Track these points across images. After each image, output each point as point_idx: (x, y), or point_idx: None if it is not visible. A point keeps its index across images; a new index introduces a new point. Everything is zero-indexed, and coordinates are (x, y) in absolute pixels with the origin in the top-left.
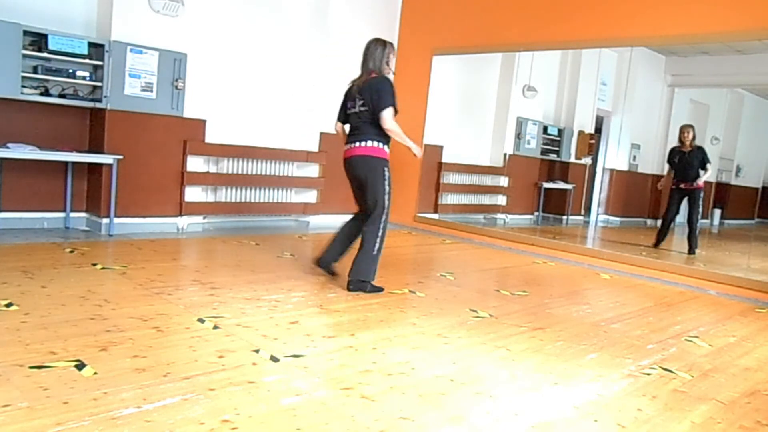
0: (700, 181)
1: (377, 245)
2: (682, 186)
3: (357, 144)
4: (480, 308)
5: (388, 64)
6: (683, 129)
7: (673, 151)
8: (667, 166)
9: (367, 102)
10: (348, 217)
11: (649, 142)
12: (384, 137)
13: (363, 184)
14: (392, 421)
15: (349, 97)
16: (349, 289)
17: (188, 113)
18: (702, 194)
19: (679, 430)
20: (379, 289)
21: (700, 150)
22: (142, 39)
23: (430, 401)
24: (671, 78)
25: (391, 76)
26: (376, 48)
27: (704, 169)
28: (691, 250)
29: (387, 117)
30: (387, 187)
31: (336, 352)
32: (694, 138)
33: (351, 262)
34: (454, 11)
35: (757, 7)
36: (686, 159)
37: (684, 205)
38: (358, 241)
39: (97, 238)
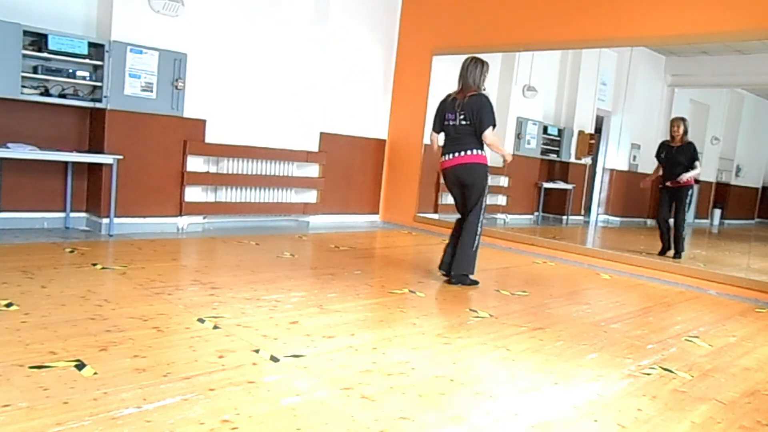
0: (685, 178)
1: (476, 242)
2: (668, 184)
3: (461, 153)
4: (480, 308)
5: (484, 82)
6: (673, 122)
7: (661, 145)
8: (655, 162)
9: (468, 116)
10: (453, 222)
11: (649, 142)
12: (482, 145)
13: (468, 188)
14: (392, 421)
15: (447, 109)
16: (451, 283)
17: (188, 113)
18: (690, 192)
19: (679, 430)
20: (476, 282)
21: (690, 146)
22: (142, 39)
23: (430, 401)
24: (671, 78)
25: (486, 92)
26: (476, 66)
27: (692, 167)
28: (677, 254)
29: (489, 134)
30: (487, 189)
31: (336, 352)
32: (685, 132)
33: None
34: (454, 11)
35: (757, 7)
36: (673, 155)
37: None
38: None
39: (97, 238)
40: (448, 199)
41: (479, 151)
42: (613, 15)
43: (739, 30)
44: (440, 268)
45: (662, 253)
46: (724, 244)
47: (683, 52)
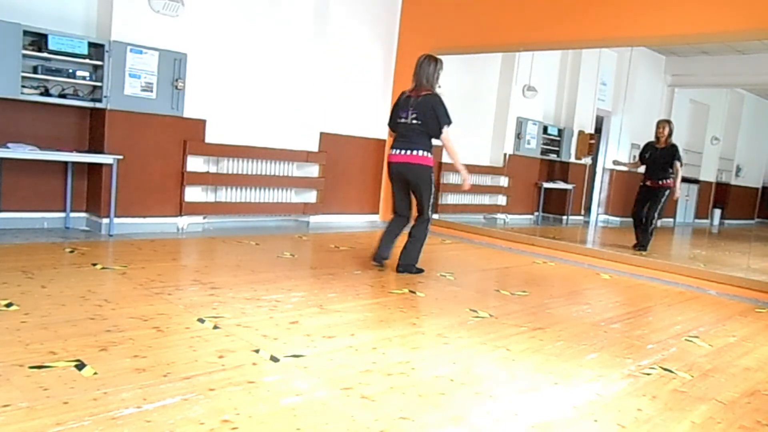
0: (668, 180)
1: (426, 236)
2: (648, 183)
3: (408, 152)
4: (480, 308)
5: (438, 80)
6: (659, 124)
7: (647, 146)
8: (634, 158)
9: (420, 116)
10: (390, 219)
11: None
12: (431, 147)
13: (414, 186)
14: (392, 421)
15: (401, 106)
16: (398, 271)
17: (188, 113)
18: (667, 193)
19: (679, 430)
20: (421, 270)
21: (673, 147)
22: (142, 39)
23: (430, 401)
24: (671, 78)
25: (439, 91)
26: (430, 64)
27: (673, 167)
28: (642, 245)
29: (446, 132)
30: (432, 189)
31: (336, 352)
32: (669, 134)
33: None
34: (454, 11)
35: (757, 7)
36: (656, 156)
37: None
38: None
39: (97, 238)
40: (448, 199)
41: (426, 153)
42: (613, 15)
43: (739, 30)
44: (374, 259)
45: (637, 246)
46: (724, 244)
47: (683, 52)
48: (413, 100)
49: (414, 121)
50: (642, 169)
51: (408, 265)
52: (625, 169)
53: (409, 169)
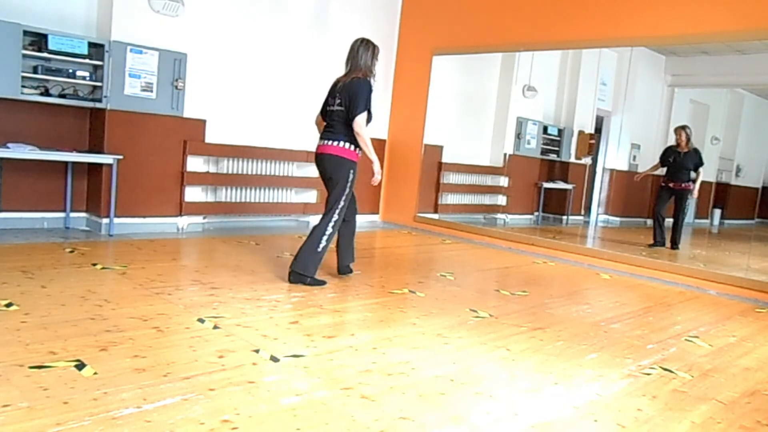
0: (690, 183)
1: (324, 244)
2: (671, 185)
3: (330, 142)
4: (480, 308)
5: (374, 67)
6: (677, 130)
7: (669, 150)
8: (654, 161)
9: (344, 102)
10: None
11: (649, 142)
12: (353, 138)
13: (330, 181)
14: (392, 421)
15: (330, 93)
16: (290, 281)
17: (188, 113)
18: (690, 195)
19: (679, 430)
20: (322, 282)
21: (696, 153)
22: (142, 39)
23: (430, 401)
24: (671, 78)
25: (373, 81)
26: (367, 49)
27: (696, 171)
28: (675, 245)
29: (359, 120)
30: (348, 189)
31: (336, 352)
32: (688, 139)
33: (296, 254)
34: (454, 11)
35: (757, 7)
36: (680, 160)
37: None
38: (346, 237)
39: (97, 238)
40: (448, 199)
41: (348, 145)
42: (613, 15)
43: (739, 30)
44: (339, 272)
45: (654, 245)
46: (724, 244)
47: (683, 52)
48: (340, 85)
49: (338, 107)
50: (658, 171)
51: (299, 274)
52: (649, 173)
53: (329, 160)
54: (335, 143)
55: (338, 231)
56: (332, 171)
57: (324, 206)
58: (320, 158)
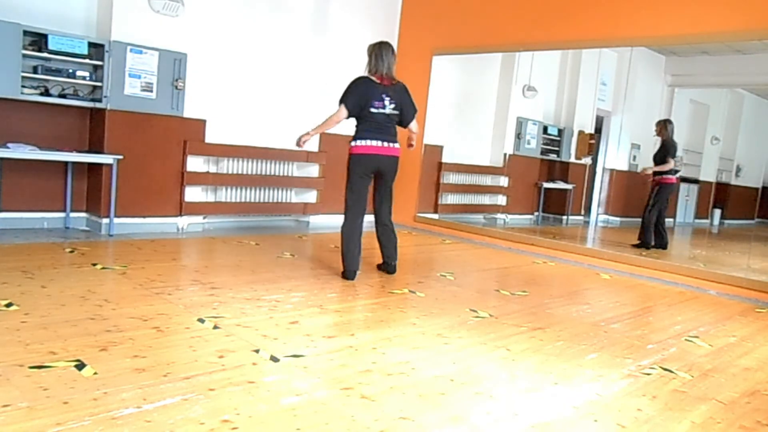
0: (658, 175)
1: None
2: (650, 180)
3: (393, 144)
4: (480, 308)
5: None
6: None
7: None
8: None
9: (398, 106)
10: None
11: (649, 142)
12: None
13: (385, 181)
14: (392, 421)
15: (374, 97)
16: (392, 272)
17: (188, 113)
18: (662, 190)
19: (679, 430)
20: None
21: (662, 143)
22: (142, 39)
23: (430, 401)
24: (671, 78)
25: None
26: (393, 53)
27: (657, 164)
28: (642, 243)
29: (415, 124)
30: None
31: (336, 352)
32: (659, 132)
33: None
34: (454, 11)
35: (757, 7)
36: (654, 154)
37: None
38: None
39: (97, 238)
40: (448, 199)
41: (398, 144)
42: (613, 15)
43: (739, 30)
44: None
45: (638, 245)
46: (724, 244)
47: (683, 52)
48: (389, 89)
49: (394, 111)
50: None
51: (395, 264)
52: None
53: (395, 160)
54: (397, 144)
55: (360, 228)
56: (394, 169)
57: (362, 203)
58: (385, 158)
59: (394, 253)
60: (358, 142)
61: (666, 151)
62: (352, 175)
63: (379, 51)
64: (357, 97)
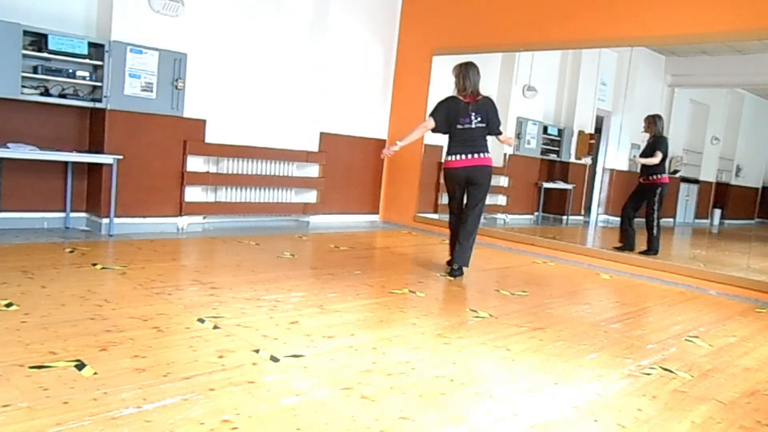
0: (653, 176)
1: (475, 237)
2: (640, 180)
3: (484, 155)
4: (480, 308)
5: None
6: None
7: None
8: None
9: (484, 119)
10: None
11: None
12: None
13: (479, 187)
14: (392, 421)
15: (460, 114)
16: (455, 276)
17: (188, 113)
18: (658, 190)
19: (679, 430)
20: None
21: (652, 139)
22: (142, 39)
23: (430, 401)
24: (671, 78)
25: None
26: (477, 72)
27: (651, 156)
28: (650, 250)
29: (503, 132)
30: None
31: (336, 352)
32: (647, 128)
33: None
34: (454, 11)
35: (757, 7)
36: (642, 150)
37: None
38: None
39: (97, 238)
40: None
41: (490, 154)
42: (613, 15)
43: (739, 30)
44: (451, 264)
45: (621, 249)
46: (724, 244)
47: (683, 52)
48: (473, 105)
49: (480, 124)
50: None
51: (462, 268)
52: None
53: (487, 170)
54: (488, 155)
55: (454, 231)
56: (486, 178)
57: (459, 209)
58: (472, 168)
59: (461, 255)
60: (449, 158)
61: (656, 146)
62: (447, 186)
63: (465, 72)
64: (444, 114)
